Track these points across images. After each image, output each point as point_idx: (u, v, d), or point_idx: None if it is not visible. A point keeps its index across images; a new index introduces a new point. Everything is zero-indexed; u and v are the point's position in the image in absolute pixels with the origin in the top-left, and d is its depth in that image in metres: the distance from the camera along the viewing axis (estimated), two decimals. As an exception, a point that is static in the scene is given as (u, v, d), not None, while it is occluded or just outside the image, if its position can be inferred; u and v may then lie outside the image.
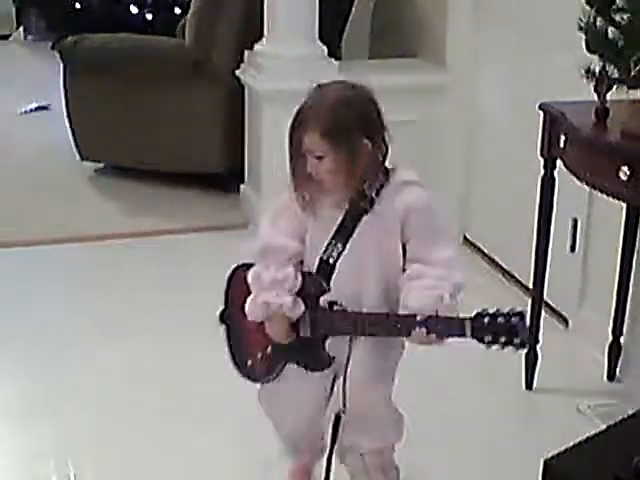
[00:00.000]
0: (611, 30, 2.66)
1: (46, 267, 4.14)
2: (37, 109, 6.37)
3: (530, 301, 3.15)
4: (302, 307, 2.21)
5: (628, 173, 2.58)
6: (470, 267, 4.06)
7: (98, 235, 4.39)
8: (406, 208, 2.16)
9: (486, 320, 2.03)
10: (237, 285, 2.33)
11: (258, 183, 4.44)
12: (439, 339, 2.08)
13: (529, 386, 3.23)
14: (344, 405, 2.23)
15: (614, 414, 2.85)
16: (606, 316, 3.25)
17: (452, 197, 4.35)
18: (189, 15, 4.91)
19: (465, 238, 4.39)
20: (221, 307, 2.41)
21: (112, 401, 3.13)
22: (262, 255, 2.22)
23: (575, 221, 3.50)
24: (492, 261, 4.17)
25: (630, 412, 2.63)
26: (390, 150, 2.20)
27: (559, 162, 2.95)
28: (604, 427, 2.65)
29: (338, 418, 2.26)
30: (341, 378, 2.23)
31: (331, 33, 4.60)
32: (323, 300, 2.21)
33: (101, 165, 5.21)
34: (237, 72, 4.54)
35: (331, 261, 2.19)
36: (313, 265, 2.22)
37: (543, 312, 3.18)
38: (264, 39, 4.39)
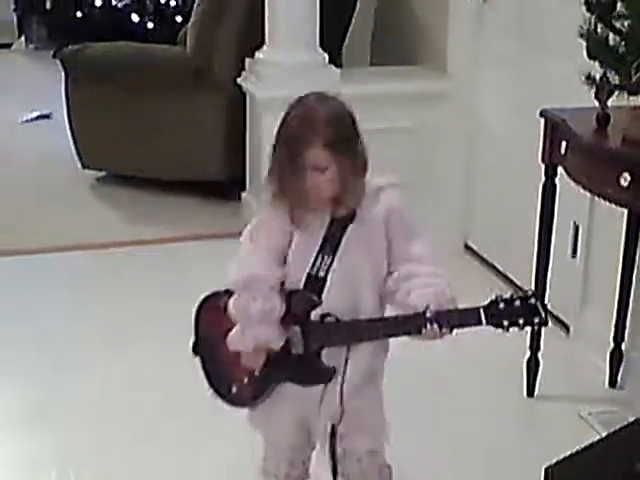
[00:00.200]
0: (612, 37, 2.67)
1: (48, 275, 4.14)
2: (39, 118, 6.37)
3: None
4: (284, 337, 2.19)
5: (629, 179, 2.58)
6: (471, 274, 4.06)
7: (100, 243, 4.40)
8: (387, 209, 2.19)
9: (501, 306, 2.06)
10: (211, 314, 2.30)
11: (259, 191, 4.42)
12: (449, 332, 2.10)
13: (530, 393, 3.22)
14: (341, 404, 2.22)
15: (616, 421, 2.85)
16: (607, 322, 3.25)
17: (453, 204, 4.36)
18: (190, 23, 4.93)
19: (466, 245, 4.39)
20: (192, 338, 2.34)
21: (113, 408, 3.13)
22: (246, 286, 2.18)
23: (576, 227, 3.50)
24: (493, 267, 4.16)
25: (632, 419, 2.63)
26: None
27: (560, 169, 2.96)
28: (605, 434, 2.65)
29: (334, 430, 2.26)
30: (339, 379, 2.22)
31: (332, 41, 4.60)
32: (315, 314, 2.20)
33: (103, 173, 5.22)
34: (238, 80, 4.55)
35: (321, 274, 2.18)
36: (298, 280, 2.20)
37: (544, 318, 3.18)
38: (265, 47, 4.40)
